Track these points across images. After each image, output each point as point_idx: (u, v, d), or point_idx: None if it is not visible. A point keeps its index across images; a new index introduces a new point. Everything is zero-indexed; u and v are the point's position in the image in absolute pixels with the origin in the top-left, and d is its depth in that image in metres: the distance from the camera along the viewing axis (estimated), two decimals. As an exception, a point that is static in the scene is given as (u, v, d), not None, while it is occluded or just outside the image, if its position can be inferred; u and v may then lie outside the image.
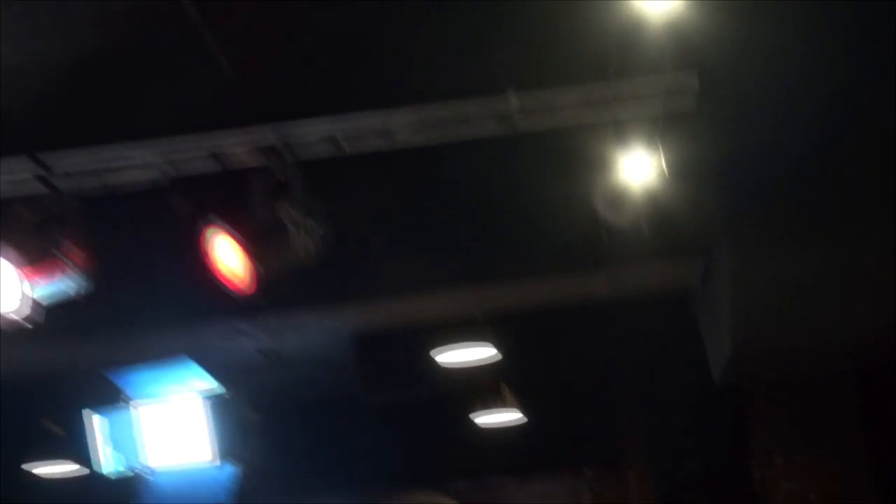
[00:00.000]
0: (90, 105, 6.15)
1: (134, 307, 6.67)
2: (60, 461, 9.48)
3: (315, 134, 6.35)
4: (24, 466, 9.70)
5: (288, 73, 6.01)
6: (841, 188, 6.25)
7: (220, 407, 9.22)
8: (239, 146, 6.41)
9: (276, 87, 6.11)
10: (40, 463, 9.60)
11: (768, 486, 9.63)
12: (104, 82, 5.91)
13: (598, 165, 6.25)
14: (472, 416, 9.92)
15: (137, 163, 6.48)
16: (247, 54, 5.68)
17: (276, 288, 6.31)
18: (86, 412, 9.12)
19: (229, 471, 9.60)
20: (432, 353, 8.60)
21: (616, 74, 5.94)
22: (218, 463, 9.34)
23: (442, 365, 8.78)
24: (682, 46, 5.45)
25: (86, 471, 9.41)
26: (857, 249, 6.54)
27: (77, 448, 9.25)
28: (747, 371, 7.87)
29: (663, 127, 6.20)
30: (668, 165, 6.16)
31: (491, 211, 6.70)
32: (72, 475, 9.59)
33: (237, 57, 5.64)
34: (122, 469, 9.33)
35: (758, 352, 7.24)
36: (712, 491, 9.64)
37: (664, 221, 6.33)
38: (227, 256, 6.31)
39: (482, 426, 10.01)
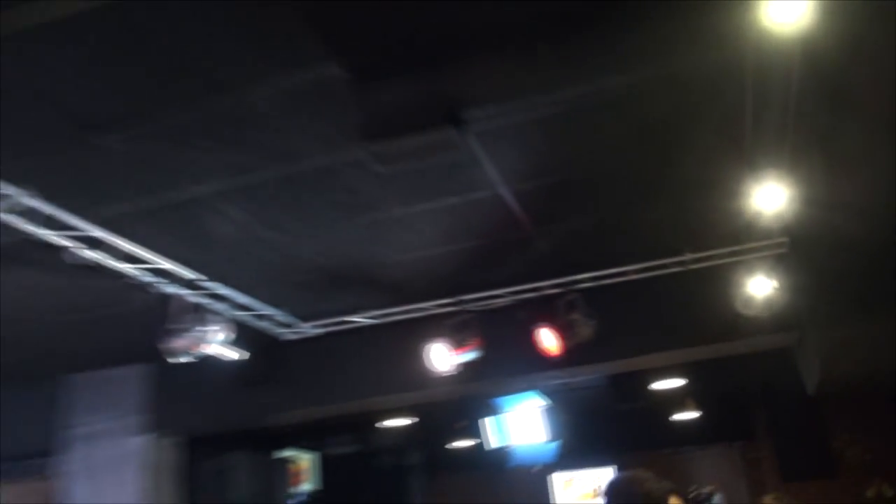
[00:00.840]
0: (473, 270, 6.21)
1: (503, 365, 6.70)
2: (468, 440, 9.59)
3: (586, 279, 6.33)
4: (447, 445, 9.90)
5: (571, 247, 5.95)
6: (877, 292, 5.73)
7: (548, 412, 9.19)
8: (548, 284, 6.44)
9: (566, 255, 6.09)
10: (459, 441, 9.72)
11: (840, 450, 8.71)
12: (477, 261, 5.97)
13: (737, 284, 5.99)
14: (671, 415, 9.49)
15: (497, 295, 6.55)
16: (550, 241, 5.72)
17: (572, 355, 6.29)
18: (480, 420, 9.30)
19: (554, 445, 9.51)
20: (649, 384, 8.31)
21: (744, 239, 5.75)
22: (548, 440, 9.30)
23: (655, 390, 8.45)
24: (780, 223, 5.24)
25: (480, 443, 9.52)
26: (886, 324, 5.88)
27: (476, 433, 9.40)
28: (828, 388, 7.18)
29: (772, 263, 5.96)
30: (776, 283, 5.89)
31: (678, 312, 6.40)
32: (473, 446, 9.66)
33: (545, 242, 5.71)
34: (500, 444, 9.42)
35: (833, 379, 6.65)
36: (808, 451, 8.82)
37: (775, 312, 5.94)
38: (547, 340, 6.36)
39: (677, 420, 9.53)
